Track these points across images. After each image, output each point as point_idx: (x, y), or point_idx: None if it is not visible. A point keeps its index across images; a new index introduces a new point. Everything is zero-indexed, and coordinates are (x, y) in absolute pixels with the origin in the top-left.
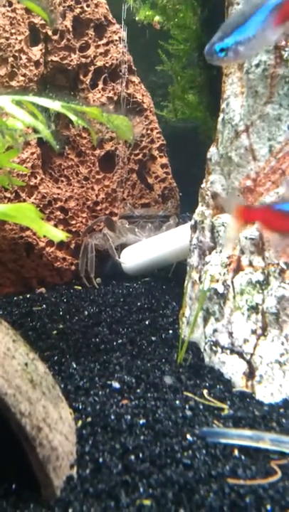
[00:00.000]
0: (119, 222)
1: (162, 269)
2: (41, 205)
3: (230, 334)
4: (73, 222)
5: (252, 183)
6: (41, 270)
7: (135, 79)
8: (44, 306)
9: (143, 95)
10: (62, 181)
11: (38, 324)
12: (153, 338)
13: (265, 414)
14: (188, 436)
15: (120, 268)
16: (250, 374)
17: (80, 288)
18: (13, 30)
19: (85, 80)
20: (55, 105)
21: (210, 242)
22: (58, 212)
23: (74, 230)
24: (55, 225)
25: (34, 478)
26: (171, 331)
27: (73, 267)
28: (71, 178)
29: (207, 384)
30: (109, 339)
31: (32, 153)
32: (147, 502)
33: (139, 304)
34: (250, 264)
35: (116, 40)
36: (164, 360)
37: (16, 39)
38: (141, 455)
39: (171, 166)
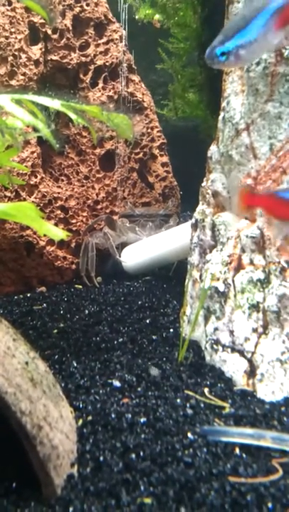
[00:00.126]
0: (119, 221)
1: (163, 267)
2: (41, 204)
3: (231, 333)
4: (74, 221)
5: (252, 181)
6: (42, 269)
7: (135, 77)
8: (45, 305)
9: (143, 94)
10: (62, 180)
11: (38, 323)
12: (154, 337)
13: (266, 413)
14: (189, 435)
15: (121, 267)
16: (251, 372)
17: (80, 287)
18: (12, 29)
19: (85, 79)
20: (54, 104)
21: (211, 241)
22: (59, 211)
23: (74, 229)
24: (56, 224)
25: (35, 477)
26: (172, 330)
27: (74, 266)
28: (71, 177)
29: (208, 382)
30: (110, 338)
31: (32, 152)
32: (148, 500)
33: (139, 302)
34: (251, 262)
35: (116, 39)
36: (164, 359)
37: (16, 38)
38: (142, 453)
39: (172, 165)
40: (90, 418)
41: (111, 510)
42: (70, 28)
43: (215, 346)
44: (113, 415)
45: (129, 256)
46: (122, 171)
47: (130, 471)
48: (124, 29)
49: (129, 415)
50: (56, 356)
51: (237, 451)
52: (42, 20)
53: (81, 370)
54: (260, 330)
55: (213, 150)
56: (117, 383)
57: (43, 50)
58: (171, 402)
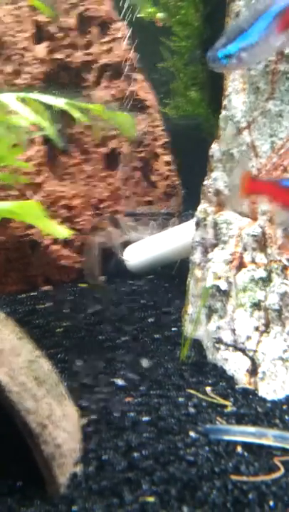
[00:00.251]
0: (123, 220)
1: (166, 266)
2: (46, 203)
3: (233, 331)
4: (78, 220)
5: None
6: (46, 268)
7: (139, 76)
8: (49, 304)
9: (147, 93)
10: (67, 179)
11: (42, 322)
12: (156, 336)
13: (268, 411)
14: (192, 433)
15: (124, 266)
16: (253, 371)
17: (84, 286)
18: (18, 28)
19: (88, 78)
20: (59, 102)
21: (212, 239)
22: (63, 210)
23: (78, 227)
24: (60, 223)
25: (39, 476)
26: (174, 329)
27: (78, 265)
28: (76, 176)
29: (210, 381)
30: (114, 337)
31: (37, 151)
32: (151, 499)
33: (142, 301)
34: (253, 261)
35: (120, 38)
36: (167, 358)
37: (21, 37)
38: (144, 452)
39: (173, 163)
40: (93, 417)
41: (114, 509)
42: (75, 27)
43: (217, 345)
44: (116, 414)
45: (133, 255)
46: (126, 169)
47: (133, 470)
48: (128, 28)
49: (132, 414)
50: (60, 355)
51: (239, 449)
52: (47, 19)
53: (85, 368)
54: (262, 328)
55: (214, 148)
56: (120, 382)
57: (48, 48)
58: (174, 400)
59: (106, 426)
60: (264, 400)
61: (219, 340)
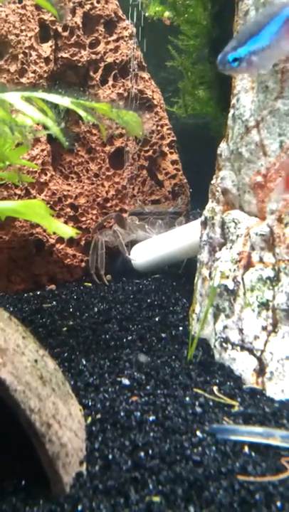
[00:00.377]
0: (129, 219)
1: (173, 265)
2: (51, 202)
3: (241, 331)
4: (83, 219)
5: (262, 178)
6: (51, 267)
7: (145, 75)
8: (54, 303)
9: (153, 91)
10: (72, 178)
11: (48, 321)
12: (163, 335)
13: (276, 411)
14: (198, 433)
15: (130, 265)
16: (261, 371)
17: (90, 285)
18: (23, 27)
19: (95, 77)
20: (64, 101)
21: (220, 239)
22: (68, 209)
23: (84, 226)
24: (65, 222)
25: (43, 475)
26: (181, 328)
27: (83, 264)
28: (81, 174)
29: (217, 381)
30: (119, 336)
31: (42, 150)
32: (157, 499)
33: (149, 300)
34: (261, 260)
35: (126, 37)
36: (173, 357)
37: (26, 36)
38: (150, 452)
39: (181, 162)
40: (98, 416)
41: (119, 509)
42: (80, 26)
43: (224, 344)
44: (122, 413)
45: (139, 254)
46: (132, 168)
47: (139, 470)
48: (134, 26)
49: (138, 413)
50: (65, 354)
51: (246, 449)
52: (52, 18)
53: (90, 368)
54: (270, 328)
55: (222, 147)
56: (126, 381)
57: (54, 47)
58: (180, 400)
59: (112, 425)
60: (272, 400)
61: (226, 340)
